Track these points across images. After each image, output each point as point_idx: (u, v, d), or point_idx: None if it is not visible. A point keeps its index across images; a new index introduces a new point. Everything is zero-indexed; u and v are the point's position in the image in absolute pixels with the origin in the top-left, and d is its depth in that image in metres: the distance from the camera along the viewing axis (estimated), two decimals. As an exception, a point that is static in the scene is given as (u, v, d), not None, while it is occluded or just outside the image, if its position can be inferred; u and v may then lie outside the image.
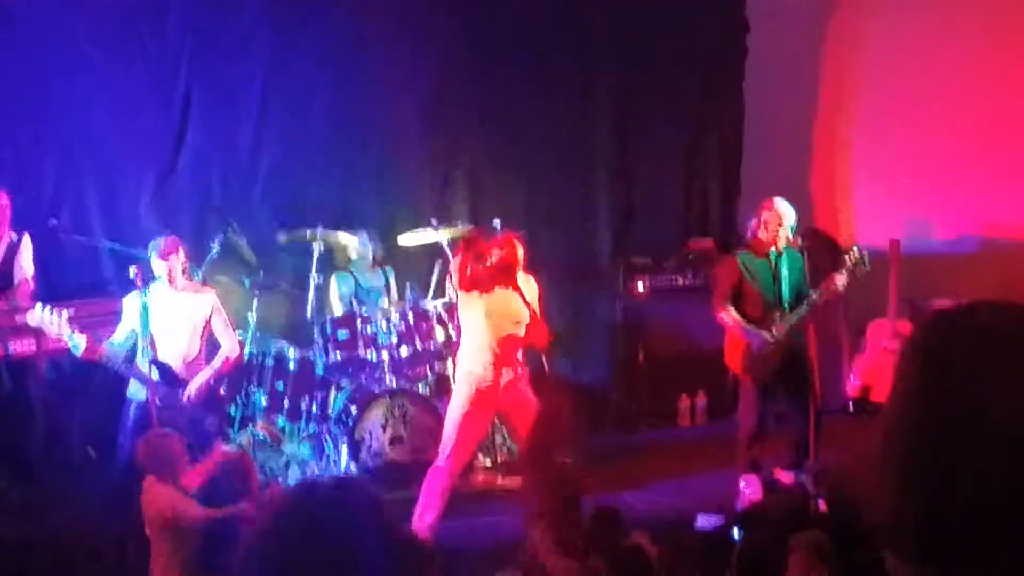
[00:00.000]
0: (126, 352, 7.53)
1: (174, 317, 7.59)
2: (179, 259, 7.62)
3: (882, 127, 10.52)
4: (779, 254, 7.85)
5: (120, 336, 7.56)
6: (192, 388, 7.54)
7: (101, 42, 9.23)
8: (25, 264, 8.34)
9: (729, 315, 7.97)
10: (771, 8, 10.61)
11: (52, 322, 7.31)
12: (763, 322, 7.88)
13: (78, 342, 7.28)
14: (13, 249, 8.32)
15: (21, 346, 8.07)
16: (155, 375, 7.38)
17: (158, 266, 7.54)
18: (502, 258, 7.32)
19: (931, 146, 10.20)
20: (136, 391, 7.55)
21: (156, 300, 7.50)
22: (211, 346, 7.83)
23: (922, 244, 9.99)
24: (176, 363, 7.58)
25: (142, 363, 7.43)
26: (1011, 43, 9.90)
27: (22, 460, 8.28)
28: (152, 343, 7.38)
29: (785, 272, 7.83)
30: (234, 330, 7.97)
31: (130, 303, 7.56)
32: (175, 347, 7.59)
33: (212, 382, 7.71)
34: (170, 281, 7.57)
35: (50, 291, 8.51)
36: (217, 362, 7.73)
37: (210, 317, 7.75)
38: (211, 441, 7.69)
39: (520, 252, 7.32)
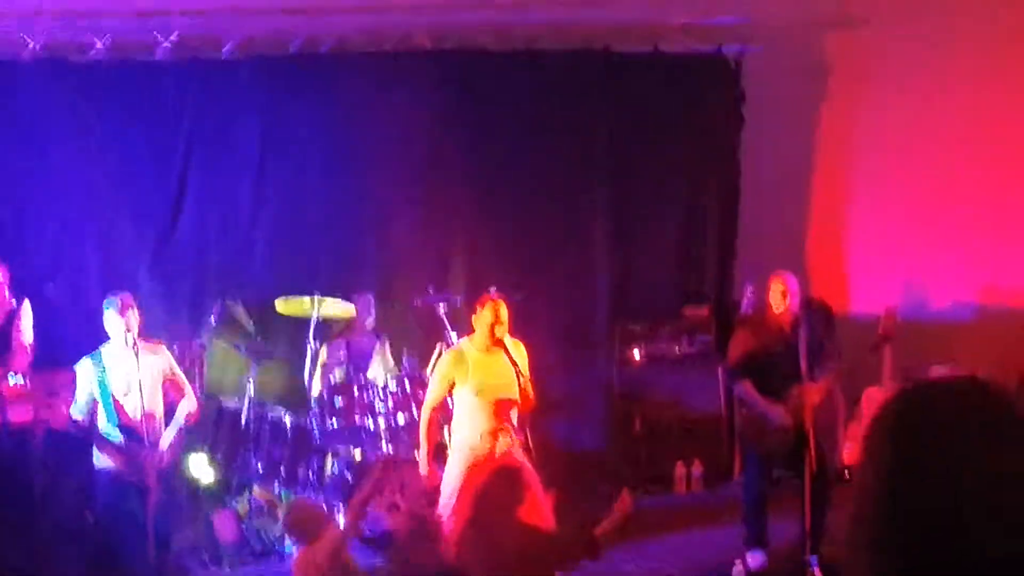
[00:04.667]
0: (86, 419, 7.41)
1: (135, 376, 7.37)
2: (135, 314, 7.45)
3: (878, 194, 10.56)
4: (793, 326, 7.78)
5: (80, 404, 7.43)
6: (164, 445, 7.44)
7: (99, 107, 9.33)
8: (24, 330, 8.34)
9: (746, 389, 7.93)
10: (766, 77, 10.68)
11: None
12: (780, 394, 7.79)
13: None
14: (12, 316, 8.33)
15: (17, 414, 8.06)
16: (122, 439, 7.30)
17: (115, 322, 7.38)
18: (485, 320, 7.39)
19: (927, 213, 10.24)
20: (104, 460, 7.45)
21: (114, 362, 7.40)
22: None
23: (918, 311, 9.99)
24: (141, 422, 7.41)
25: (108, 428, 7.34)
26: (1007, 109, 9.96)
27: (16, 525, 8.24)
28: (118, 406, 7.30)
29: (800, 345, 7.64)
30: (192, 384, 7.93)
31: (83, 369, 7.45)
32: (141, 405, 7.39)
33: (179, 439, 7.66)
34: (127, 335, 7.35)
35: (48, 357, 8.51)
36: (180, 418, 7.64)
37: (168, 372, 7.67)
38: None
39: (504, 313, 7.36)
